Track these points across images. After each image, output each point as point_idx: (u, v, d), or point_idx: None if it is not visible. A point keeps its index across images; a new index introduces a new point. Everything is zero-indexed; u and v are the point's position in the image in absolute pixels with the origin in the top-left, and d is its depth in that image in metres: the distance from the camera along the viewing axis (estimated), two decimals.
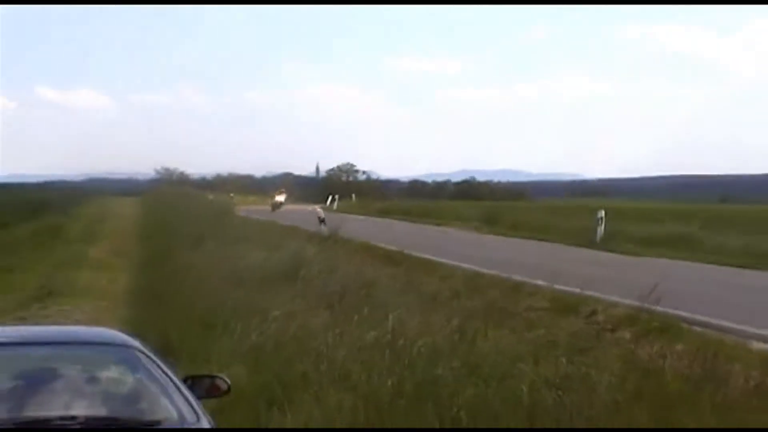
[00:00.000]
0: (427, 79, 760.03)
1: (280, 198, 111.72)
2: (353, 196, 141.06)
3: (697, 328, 21.59)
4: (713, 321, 23.39)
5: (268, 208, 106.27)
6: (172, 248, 41.29)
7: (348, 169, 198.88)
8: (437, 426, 10.78)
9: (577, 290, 28.99)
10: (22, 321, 20.02)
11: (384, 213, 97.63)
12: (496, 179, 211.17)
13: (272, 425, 12.47)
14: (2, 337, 9.73)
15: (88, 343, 9.56)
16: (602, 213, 58.94)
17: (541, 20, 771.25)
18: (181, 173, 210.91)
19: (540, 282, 31.79)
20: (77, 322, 17.46)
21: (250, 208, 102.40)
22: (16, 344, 9.38)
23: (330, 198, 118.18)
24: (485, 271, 36.69)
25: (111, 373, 8.51)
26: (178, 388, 8.38)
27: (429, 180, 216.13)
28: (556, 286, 30.10)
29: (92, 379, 8.45)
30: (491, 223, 76.93)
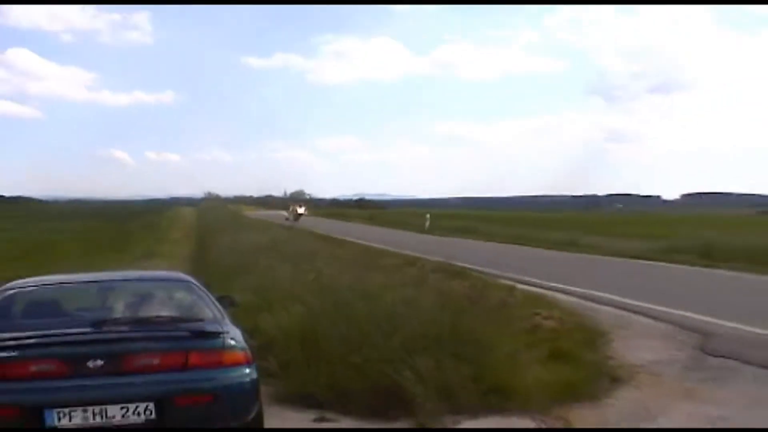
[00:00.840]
0: (339, 149, 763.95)
1: (301, 210, 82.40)
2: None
3: (476, 273, 21.69)
4: (484, 269, 23.55)
5: (264, 213, 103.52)
6: (211, 233, 41.49)
7: (300, 192, 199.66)
8: (344, 322, 10.85)
9: (414, 254, 29.25)
10: (137, 268, 20.07)
11: (319, 215, 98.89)
12: (375, 198, 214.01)
13: (261, 322, 12.45)
14: (119, 276, 9.95)
15: (166, 279, 9.63)
16: (428, 215, 60.62)
17: (393, 119, 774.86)
18: (217, 195, 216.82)
19: (395, 249, 32.17)
20: (162, 269, 17.51)
21: (252, 213, 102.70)
22: (127, 280, 9.50)
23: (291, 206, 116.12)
24: (367, 243, 37.03)
25: (179, 294, 8.53)
26: (214, 303, 8.41)
27: (341, 198, 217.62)
28: (403, 252, 30.49)
29: (170, 297, 8.49)
30: (372, 220, 79.91)
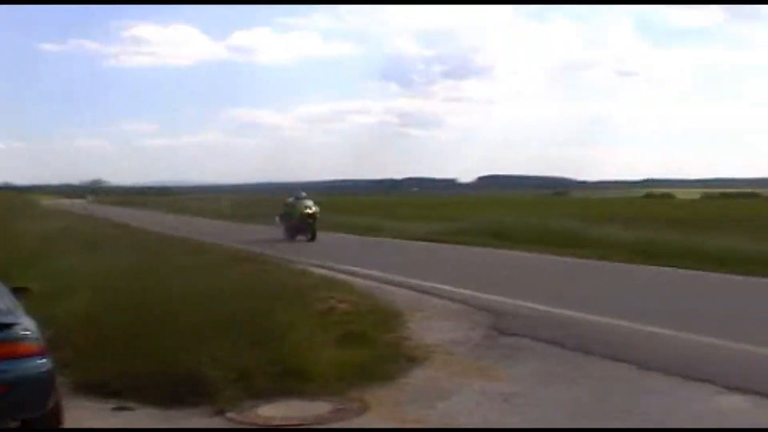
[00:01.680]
0: (137, 136, 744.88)
1: (311, 209, 35.32)
2: (96, 195, 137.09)
3: (270, 258, 21.61)
4: (280, 255, 23.45)
5: (62, 202, 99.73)
6: (5, 223, 40.31)
7: (99, 180, 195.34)
8: (132, 309, 10.79)
9: (210, 240, 28.99)
10: None
11: (120, 204, 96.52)
12: (175, 185, 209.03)
13: (57, 311, 12.09)
14: None
15: None
16: (228, 203, 58.89)
17: (190, 106, 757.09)
18: (11, 184, 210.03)
19: (192, 236, 31.77)
20: None
21: (50, 202, 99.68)
22: None
23: (89, 196, 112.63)
24: (163, 231, 36.25)
25: None
26: (7, 294, 8.19)
27: (141, 185, 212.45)
28: (200, 238, 30.25)
29: None
30: (170, 207, 77.23)
